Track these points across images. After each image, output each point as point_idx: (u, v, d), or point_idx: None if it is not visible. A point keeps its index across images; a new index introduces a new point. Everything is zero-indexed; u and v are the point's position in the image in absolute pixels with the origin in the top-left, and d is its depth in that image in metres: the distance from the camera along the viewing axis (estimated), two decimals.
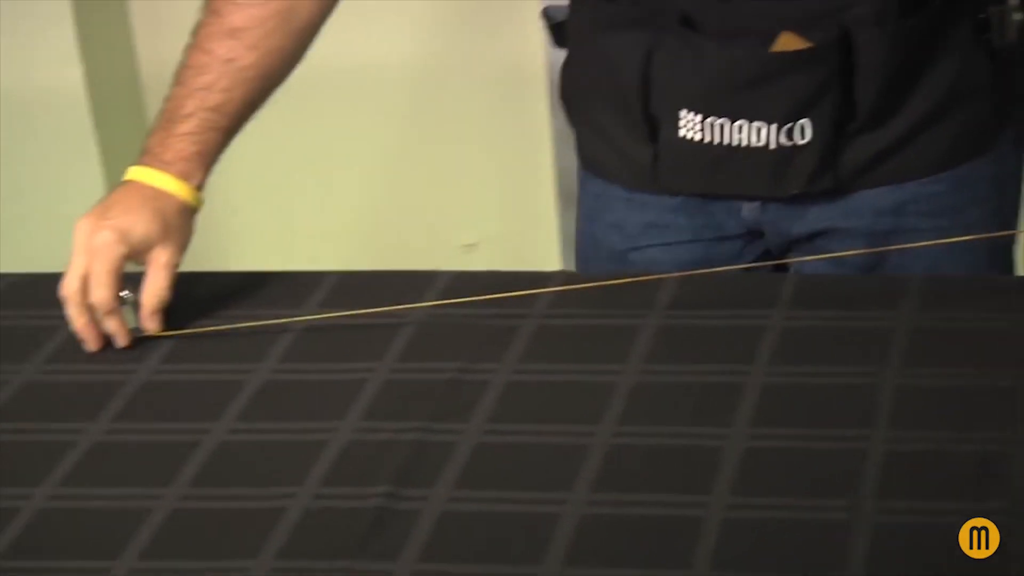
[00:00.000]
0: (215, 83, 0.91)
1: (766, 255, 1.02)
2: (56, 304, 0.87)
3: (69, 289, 0.86)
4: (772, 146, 0.92)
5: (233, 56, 0.92)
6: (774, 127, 0.91)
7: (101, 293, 0.85)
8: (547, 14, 1.05)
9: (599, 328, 0.86)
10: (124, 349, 0.86)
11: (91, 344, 0.87)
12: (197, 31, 0.93)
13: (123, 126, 1.94)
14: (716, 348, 0.82)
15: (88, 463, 0.74)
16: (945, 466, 0.67)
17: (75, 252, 0.87)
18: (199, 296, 0.93)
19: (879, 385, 0.75)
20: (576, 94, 1.05)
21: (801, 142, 0.92)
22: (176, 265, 0.89)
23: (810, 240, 0.99)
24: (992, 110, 0.96)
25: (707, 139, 0.93)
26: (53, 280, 0.88)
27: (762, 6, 0.90)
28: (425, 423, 0.75)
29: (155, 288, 0.88)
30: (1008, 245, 1.03)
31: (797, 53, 0.90)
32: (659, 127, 0.95)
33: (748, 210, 0.99)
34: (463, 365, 0.81)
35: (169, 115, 0.92)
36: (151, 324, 0.87)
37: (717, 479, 0.66)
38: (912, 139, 0.95)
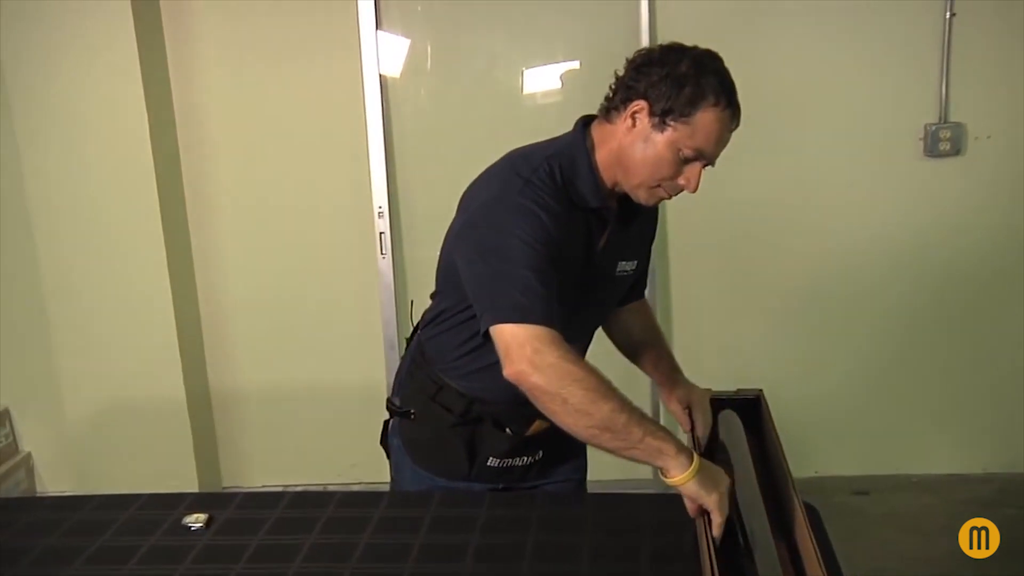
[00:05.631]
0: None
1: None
2: None
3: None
4: (527, 463, 1.85)
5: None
6: (529, 458, 1.84)
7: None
8: (392, 403, 1.89)
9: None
10: None
11: None
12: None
13: None
14: None
15: None
16: None
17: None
18: None
19: None
20: (417, 444, 1.85)
21: (538, 459, 1.85)
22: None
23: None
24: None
25: (500, 466, 1.82)
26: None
27: (528, 411, 1.56)
28: None
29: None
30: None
31: (543, 431, 1.76)
32: (475, 462, 1.80)
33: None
34: None
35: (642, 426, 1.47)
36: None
37: None
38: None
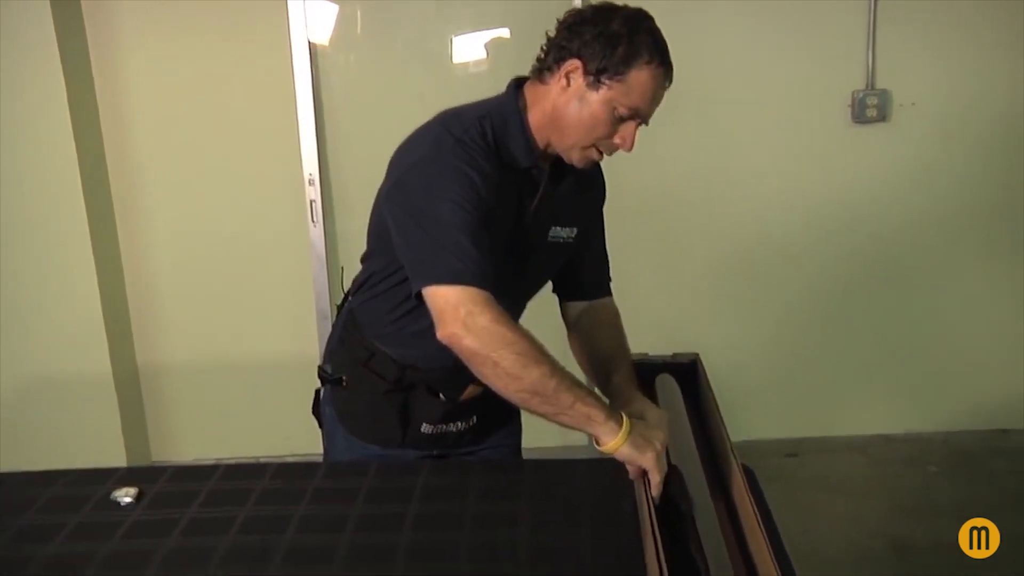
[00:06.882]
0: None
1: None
2: None
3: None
4: (461, 428, 1.82)
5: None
6: (463, 423, 1.82)
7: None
8: (323, 371, 1.85)
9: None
10: None
11: None
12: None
13: None
14: None
15: None
16: None
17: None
18: None
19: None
20: (350, 412, 1.82)
21: (472, 424, 1.83)
22: None
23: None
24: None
25: (434, 432, 1.79)
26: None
27: (462, 377, 1.60)
28: None
29: None
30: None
31: (476, 396, 1.76)
32: (408, 429, 1.77)
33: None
34: None
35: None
36: None
37: None
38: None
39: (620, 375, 1.71)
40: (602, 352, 1.79)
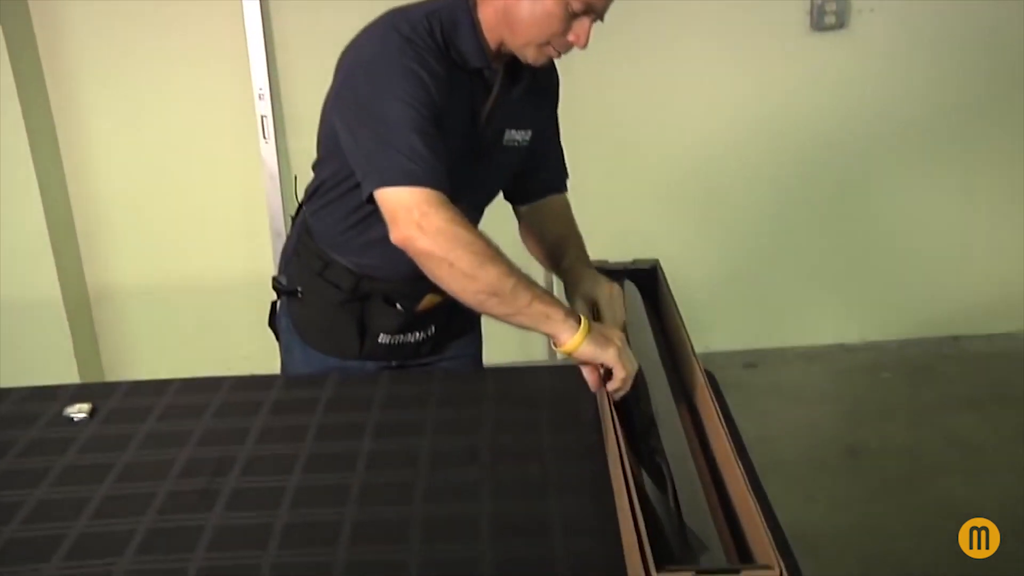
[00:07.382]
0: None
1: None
2: None
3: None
4: (420, 339, 1.81)
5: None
6: (421, 334, 1.79)
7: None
8: (278, 282, 1.82)
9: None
10: None
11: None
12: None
13: None
14: None
15: None
16: None
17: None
18: None
19: None
20: (306, 323, 1.79)
21: (430, 334, 1.80)
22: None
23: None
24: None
25: (392, 343, 1.77)
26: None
27: (419, 287, 1.62)
28: None
29: None
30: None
31: (435, 306, 1.74)
32: (366, 339, 1.75)
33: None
34: None
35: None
36: None
37: None
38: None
39: (571, 256, 1.70)
40: (552, 236, 1.78)
